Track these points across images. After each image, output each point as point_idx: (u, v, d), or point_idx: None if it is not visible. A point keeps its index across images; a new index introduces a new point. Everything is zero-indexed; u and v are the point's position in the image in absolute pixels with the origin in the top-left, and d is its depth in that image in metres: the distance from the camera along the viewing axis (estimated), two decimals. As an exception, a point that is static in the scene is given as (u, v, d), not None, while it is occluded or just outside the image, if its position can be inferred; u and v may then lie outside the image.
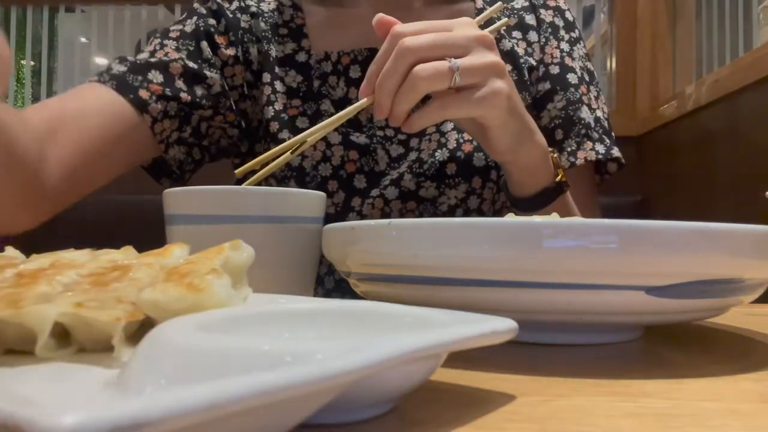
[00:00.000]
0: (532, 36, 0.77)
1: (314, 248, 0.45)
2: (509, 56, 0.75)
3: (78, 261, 0.29)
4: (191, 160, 0.75)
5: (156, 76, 0.69)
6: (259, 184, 0.49)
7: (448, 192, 0.69)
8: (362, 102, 0.52)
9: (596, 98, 0.77)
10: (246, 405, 0.14)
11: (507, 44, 0.75)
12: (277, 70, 0.74)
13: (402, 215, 0.70)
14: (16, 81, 2.27)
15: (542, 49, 0.77)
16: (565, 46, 0.77)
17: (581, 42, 0.80)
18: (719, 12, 1.51)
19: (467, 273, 0.32)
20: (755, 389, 0.27)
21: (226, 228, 0.41)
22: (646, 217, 0.32)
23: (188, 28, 0.73)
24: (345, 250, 0.37)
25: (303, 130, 0.70)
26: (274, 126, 0.71)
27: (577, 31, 0.80)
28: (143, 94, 0.68)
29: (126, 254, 0.30)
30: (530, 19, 0.78)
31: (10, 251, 0.31)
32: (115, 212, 1.34)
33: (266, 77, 0.74)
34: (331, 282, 0.74)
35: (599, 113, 0.76)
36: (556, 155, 0.61)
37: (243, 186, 0.46)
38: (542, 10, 0.79)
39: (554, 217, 0.34)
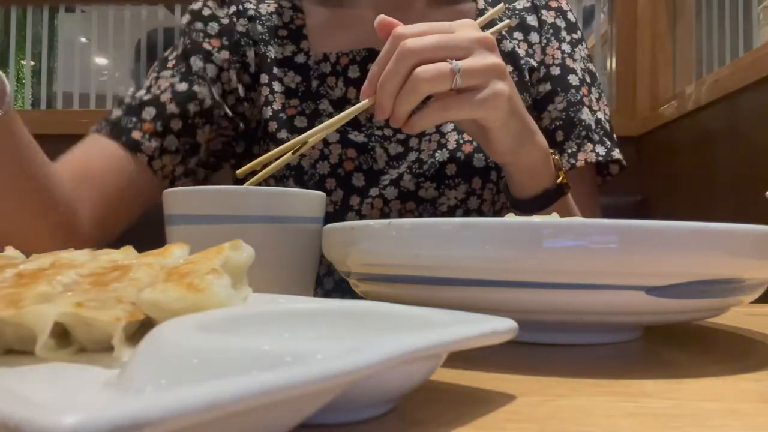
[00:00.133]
0: (534, 37, 0.77)
1: (314, 248, 0.45)
2: (510, 57, 0.75)
3: (78, 261, 0.29)
4: (197, 183, 0.77)
5: (149, 113, 0.71)
6: (259, 184, 0.49)
7: (448, 193, 0.69)
8: (364, 103, 0.52)
9: (597, 100, 0.77)
10: (246, 405, 0.14)
11: (508, 45, 0.75)
12: (275, 71, 0.74)
13: (401, 216, 0.70)
14: (16, 81, 2.26)
15: (543, 50, 0.77)
16: (566, 47, 0.77)
17: (583, 43, 0.79)
18: (719, 12, 1.50)
19: (467, 273, 0.32)
20: (755, 389, 0.27)
21: (226, 228, 0.41)
22: (646, 217, 0.32)
23: (179, 50, 0.75)
24: (345, 250, 0.37)
25: (301, 129, 0.70)
26: (273, 126, 0.72)
27: (579, 32, 0.80)
28: (136, 135, 0.70)
29: (126, 254, 0.30)
30: (532, 20, 0.78)
31: (10, 251, 0.31)
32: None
33: (264, 78, 0.74)
34: (330, 283, 0.74)
35: (600, 115, 0.75)
36: (557, 157, 0.61)
37: (243, 186, 0.46)
38: (544, 11, 0.79)
39: (554, 217, 0.34)
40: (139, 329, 0.25)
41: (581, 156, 0.72)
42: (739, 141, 1.17)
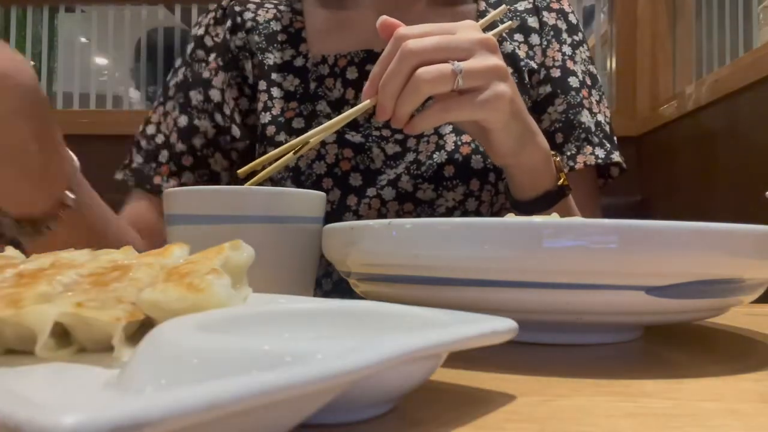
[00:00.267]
0: (534, 39, 0.77)
1: (314, 248, 0.45)
2: (510, 59, 0.74)
3: (78, 261, 0.29)
4: None
5: (164, 156, 0.76)
6: (259, 184, 0.49)
7: (446, 194, 0.69)
8: (365, 103, 0.52)
9: (598, 102, 0.76)
10: (246, 405, 0.14)
11: (508, 47, 0.75)
12: (273, 76, 0.75)
13: (399, 217, 0.70)
14: (16, 81, 2.26)
15: (544, 52, 0.77)
16: (567, 49, 0.77)
17: (584, 45, 0.79)
18: (719, 12, 1.50)
19: (467, 273, 0.32)
20: (755, 389, 0.27)
21: (226, 228, 0.41)
22: (646, 217, 0.32)
23: (179, 77, 0.78)
24: (345, 250, 0.37)
25: (299, 130, 0.71)
26: (271, 129, 0.73)
27: (580, 34, 0.80)
28: (157, 180, 0.75)
29: (126, 254, 0.30)
30: (533, 21, 0.78)
31: (10, 251, 0.31)
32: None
33: (262, 85, 0.75)
34: (329, 284, 0.74)
35: (600, 117, 0.75)
36: (558, 158, 0.61)
37: (243, 186, 0.46)
38: (545, 13, 0.79)
39: (554, 218, 0.34)
40: (139, 329, 0.25)
41: (580, 158, 0.72)
42: (739, 141, 1.17)
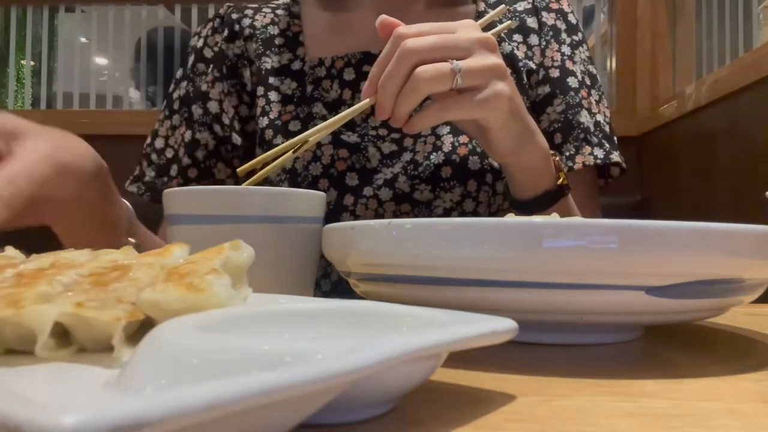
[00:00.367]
0: (533, 39, 0.77)
1: (314, 248, 0.45)
2: (508, 59, 0.74)
3: (78, 261, 0.29)
4: None
5: (174, 170, 0.78)
6: (259, 184, 0.49)
7: (443, 195, 0.69)
8: (364, 102, 0.52)
9: (597, 102, 0.76)
10: (246, 405, 0.14)
11: (507, 47, 0.75)
12: (271, 80, 0.76)
13: (396, 218, 0.70)
14: (16, 81, 2.26)
15: (543, 52, 0.77)
16: (566, 49, 0.77)
17: (584, 45, 0.79)
18: (719, 12, 1.50)
19: (467, 273, 0.32)
20: (755, 389, 0.27)
21: (226, 228, 0.41)
22: (646, 217, 0.32)
23: (182, 92, 0.80)
24: (345, 250, 0.37)
25: (295, 133, 0.71)
26: (269, 133, 0.74)
27: (580, 34, 0.80)
28: None
29: (126, 254, 0.30)
30: (532, 22, 0.78)
31: (10, 251, 0.31)
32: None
33: (260, 91, 0.76)
34: (327, 285, 0.74)
35: (599, 117, 0.75)
36: (557, 158, 0.61)
37: (243, 186, 0.46)
38: (544, 13, 0.79)
39: (554, 218, 0.34)
40: (139, 329, 0.25)
41: (579, 159, 0.72)
42: (739, 141, 1.17)
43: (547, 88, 0.75)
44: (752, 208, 0.82)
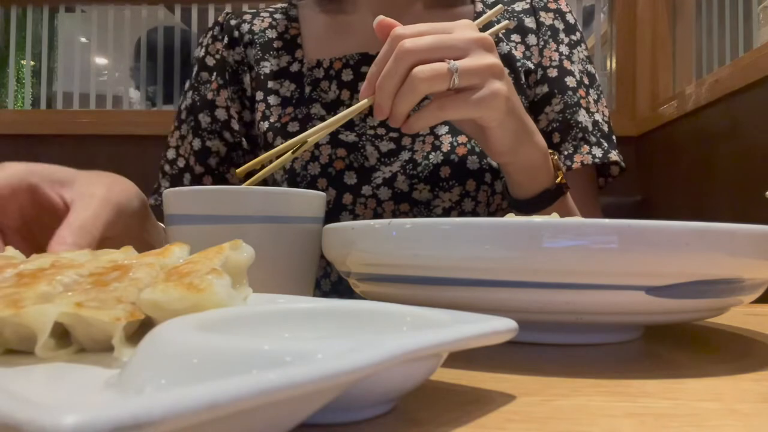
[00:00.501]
0: (531, 39, 0.77)
1: (314, 248, 0.45)
2: (506, 59, 0.75)
3: (78, 261, 0.29)
4: None
5: (187, 179, 0.79)
6: (258, 185, 0.49)
7: (442, 195, 0.69)
8: (362, 103, 0.52)
9: (596, 101, 0.76)
10: (246, 405, 0.14)
11: (504, 48, 0.76)
12: (270, 84, 0.77)
13: (395, 217, 0.70)
14: (16, 81, 2.26)
15: (541, 52, 0.77)
16: (564, 49, 0.77)
17: (582, 45, 0.79)
18: (719, 12, 1.50)
19: (467, 273, 0.32)
20: (755, 389, 0.27)
21: (226, 228, 0.41)
22: (646, 217, 0.32)
23: (188, 102, 0.81)
24: (345, 250, 0.37)
25: (293, 134, 0.72)
26: (270, 136, 0.75)
27: (578, 33, 0.80)
28: None
29: (126, 254, 0.30)
30: (530, 22, 0.78)
31: (10, 251, 0.31)
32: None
33: (259, 95, 0.77)
34: (327, 285, 0.74)
35: (598, 116, 0.75)
36: (556, 157, 0.61)
37: (243, 186, 0.46)
38: (542, 13, 0.79)
39: (554, 217, 0.34)
40: (139, 329, 0.25)
41: (577, 158, 0.72)
42: (739, 141, 1.17)
43: (545, 88, 0.75)
44: (752, 208, 0.82)
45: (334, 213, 0.70)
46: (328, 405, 0.18)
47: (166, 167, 0.80)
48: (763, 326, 0.45)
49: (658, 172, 1.51)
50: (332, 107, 0.74)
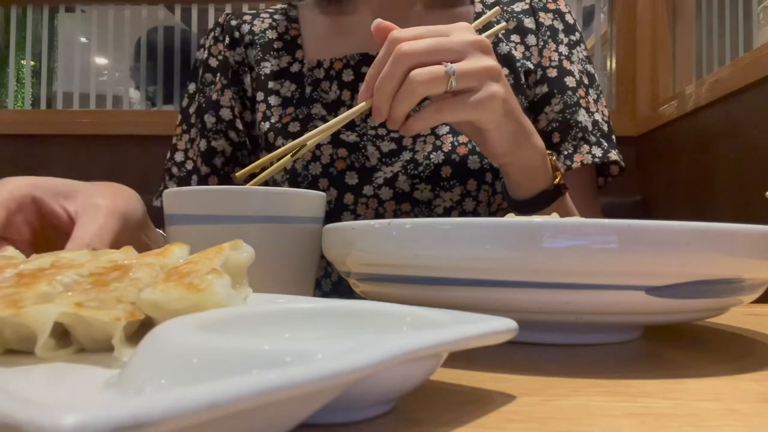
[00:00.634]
0: (531, 39, 0.77)
1: (314, 248, 0.45)
2: (505, 60, 0.75)
3: (78, 261, 0.29)
4: None
5: (194, 180, 0.79)
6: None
7: (443, 194, 0.70)
8: (361, 105, 0.52)
9: (595, 101, 0.77)
10: (246, 405, 0.14)
11: (504, 48, 0.76)
12: (270, 85, 0.77)
13: (396, 217, 0.70)
14: (16, 81, 2.26)
15: (540, 52, 0.77)
16: (563, 49, 0.77)
17: (581, 45, 0.80)
18: (719, 12, 1.50)
19: (467, 273, 0.32)
20: (755, 389, 0.27)
21: (226, 228, 0.41)
22: (646, 217, 0.32)
23: (195, 104, 0.81)
24: (345, 250, 0.37)
25: (294, 134, 0.72)
26: (271, 136, 0.75)
27: (577, 33, 0.80)
28: None
29: (126, 254, 0.30)
30: (529, 22, 0.78)
31: (10, 251, 0.31)
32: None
33: (260, 96, 0.77)
34: (328, 285, 0.74)
35: (598, 116, 0.76)
36: (554, 158, 0.62)
37: (244, 186, 0.46)
38: (542, 13, 0.79)
39: (554, 217, 0.34)
40: (139, 329, 0.25)
41: (577, 158, 0.72)
42: (739, 141, 1.17)
43: (544, 88, 0.75)
44: (752, 208, 0.82)
45: (335, 213, 0.70)
46: (328, 405, 0.18)
47: (174, 170, 0.80)
48: (763, 326, 0.45)
49: (658, 172, 1.51)
50: (333, 107, 0.74)
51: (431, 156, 0.70)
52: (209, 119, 0.79)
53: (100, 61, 2.40)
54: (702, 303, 0.32)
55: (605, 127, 0.76)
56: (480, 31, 0.56)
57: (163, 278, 0.25)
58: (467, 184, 0.69)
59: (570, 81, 0.75)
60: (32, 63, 2.25)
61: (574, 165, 0.72)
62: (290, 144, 0.51)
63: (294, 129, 0.73)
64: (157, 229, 0.58)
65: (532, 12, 0.79)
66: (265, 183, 0.51)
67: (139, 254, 0.30)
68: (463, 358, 0.24)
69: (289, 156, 0.51)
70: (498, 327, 0.23)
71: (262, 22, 0.81)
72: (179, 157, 0.80)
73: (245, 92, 0.80)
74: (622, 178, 0.79)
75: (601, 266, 0.30)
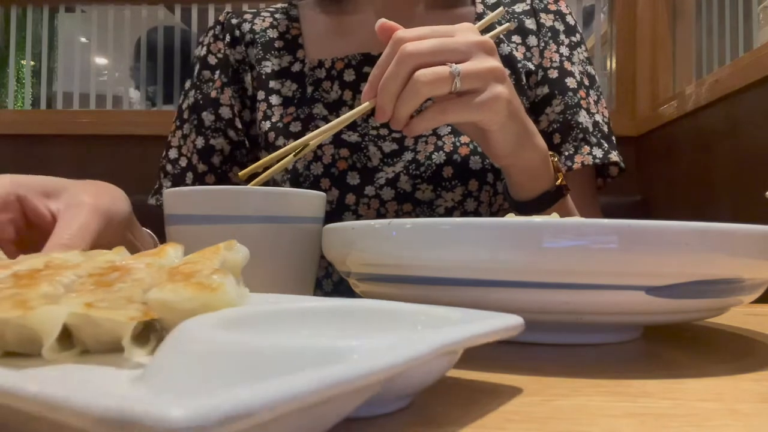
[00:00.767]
0: (532, 40, 0.78)
1: (314, 248, 0.45)
2: (507, 61, 0.75)
3: (71, 262, 0.28)
4: None
5: (189, 177, 0.78)
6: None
7: (445, 195, 0.70)
8: (364, 105, 0.52)
9: (596, 102, 0.77)
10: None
11: (505, 49, 0.76)
12: (271, 84, 0.77)
13: (397, 217, 0.70)
14: (16, 81, 2.26)
15: (541, 53, 0.77)
16: (564, 50, 0.77)
17: (582, 46, 0.80)
18: (719, 12, 1.50)
19: (467, 273, 0.32)
20: (755, 389, 0.27)
21: (225, 228, 0.42)
22: (646, 217, 0.32)
23: (191, 101, 0.80)
24: (345, 250, 0.37)
25: (296, 134, 0.72)
26: (272, 136, 0.74)
27: (578, 35, 0.80)
28: None
29: (119, 255, 0.30)
30: (530, 23, 0.79)
31: None
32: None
33: (260, 95, 0.77)
34: (329, 285, 0.74)
35: (598, 117, 0.76)
36: (556, 159, 0.62)
37: (244, 186, 0.46)
38: (543, 14, 0.79)
39: (554, 218, 0.34)
40: (142, 330, 0.25)
41: (578, 158, 0.72)
42: (739, 141, 1.17)
43: (545, 89, 0.75)
44: (752, 208, 0.82)
45: (337, 213, 0.70)
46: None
47: (168, 167, 0.80)
48: (763, 326, 0.45)
49: (658, 172, 1.51)
50: (334, 107, 0.74)
51: (433, 156, 0.70)
52: (207, 117, 0.78)
53: (100, 61, 2.40)
54: (702, 303, 0.33)
55: (606, 128, 0.76)
56: (483, 32, 0.56)
57: (166, 278, 0.25)
58: (469, 185, 0.69)
59: (571, 82, 0.75)
60: (32, 63, 2.24)
61: (575, 166, 0.72)
62: (293, 144, 0.51)
63: (295, 129, 0.73)
64: (144, 228, 0.57)
65: (533, 13, 0.79)
66: (266, 183, 0.51)
67: (133, 255, 0.30)
68: (463, 357, 0.24)
69: (291, 156, 0.51)
70: (510, 322, 0.24)
71: (263, 21, 0.81)
72: (173, 153, 0.80)
73: (245, 91, 0.79)
74: (621, 179, 0.79)
75: (601, 266, 0.30)
